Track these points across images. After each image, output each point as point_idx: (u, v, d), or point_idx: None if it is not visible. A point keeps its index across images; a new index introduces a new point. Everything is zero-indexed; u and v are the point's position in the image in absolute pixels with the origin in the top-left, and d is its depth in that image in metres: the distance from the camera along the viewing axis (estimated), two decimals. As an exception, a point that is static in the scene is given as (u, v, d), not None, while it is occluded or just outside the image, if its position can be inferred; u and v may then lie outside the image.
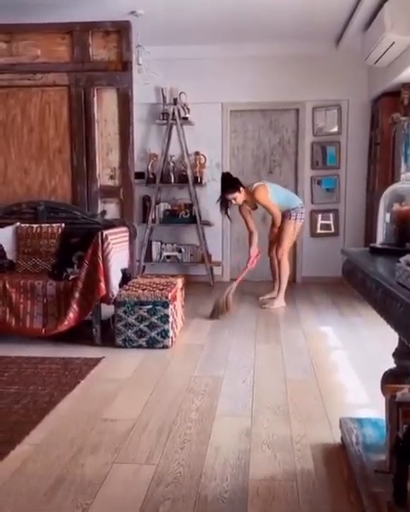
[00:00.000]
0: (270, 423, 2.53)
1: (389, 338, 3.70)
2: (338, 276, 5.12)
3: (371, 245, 2.09)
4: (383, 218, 2.07)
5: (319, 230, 6.27)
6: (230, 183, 4.98)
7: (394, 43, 4.31)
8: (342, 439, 2.35)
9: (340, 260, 5.53)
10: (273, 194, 4.97)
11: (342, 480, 2.05)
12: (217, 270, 6.33)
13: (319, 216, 6.25)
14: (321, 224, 6.27)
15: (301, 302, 5.24)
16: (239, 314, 4.75)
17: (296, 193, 6.26)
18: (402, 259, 1.44)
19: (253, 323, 4.40)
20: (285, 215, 5.03)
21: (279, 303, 5.02)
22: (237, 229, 6.43)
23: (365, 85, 5.95)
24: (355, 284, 1.99)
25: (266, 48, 5.91)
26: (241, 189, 4.95)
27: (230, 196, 4.97)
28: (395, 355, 2.14)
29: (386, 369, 2.22)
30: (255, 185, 4.98)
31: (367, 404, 2.76)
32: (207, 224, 6.21)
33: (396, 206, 1.99)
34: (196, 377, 3.14)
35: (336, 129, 6.12)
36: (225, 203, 5.07)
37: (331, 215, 6.19)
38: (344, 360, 3.50)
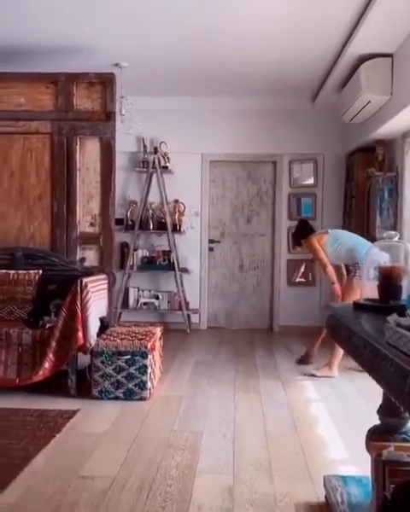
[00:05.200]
0: (252, 480, 2.47)
1: (368, 391, 3.74)
2: (315, 325, 5.16)
3: (355, 301, 2.12)
4: (367, 275, 2.10)
5: (296, 279, 6.32)
6: (297, 232, 4.68)
7: (369, 101, 4.51)
8: (326, 497, 2.30)
9: (317, 310, 5.57)
10: (331, 245, 4.36)
11: (329, 543, 2.00)
12: (194, 318, 6.31)
13: (295, 265, 6.32)
14: (299, 274, 6.33)
15: (278, 351, 5.23)
16: (217, 363, 4.70)
17: (273, 242, 6.38)
18: (391, 319, 1.47)
19: (232, 372, 4.35)
20: (349, 270, 4.39)
21: (328, 372, 4.32)
22: (216, 277, 6.48)
23: (340, 140, 6.17)
24: (341, 340, 2.00)
25: (245, 102, 6.12)
26: (302, 241, 4.59)
27: (298, 248, 4.91)
28: (379, 412, 2.13)
29: (370, 426, 2.21)
30: (315, 233, 4.57)
31: (349, 461, 2.72)
32: (185, 271, 6.23)
33: (381, 264, 2.03)
34: (176, 431, 3.06)
35: (312, 181, 6.29)
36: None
37: (308, 265, 6.27)
38: (324, 413, 3.47)
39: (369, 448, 2.07)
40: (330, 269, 4.32)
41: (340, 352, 4.17)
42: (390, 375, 1.32)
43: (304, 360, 4.71)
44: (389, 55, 4.36)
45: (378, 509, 1.86)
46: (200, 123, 6.22)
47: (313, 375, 4.29)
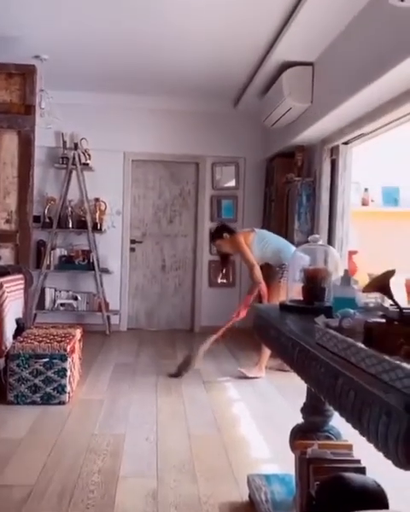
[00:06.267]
0: (176, 483, 2.46)
1: (287, 390, 3.84)
2: (236, 326, 5.20)
3: (281, 302, 2.16)
4: (292, 277, 2.15)
5: (219, 281, 6.37)
6: (215, 230, 4.62)
7: (291, 108, 4.63)
8: (250, 496, 2.33)
9: (233, 310, 5.61)
10: (257, 244, 4.35)
11: (253, 542, 2.02)
12: (114, 319, 6.19)
13: (218, 266, 6.37)
14: (221, 275, 6.37)
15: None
16: (138, 365, 4.64)
17: (195, 243, 6.40)
18: (319, 320, 1.50)
19: (153, 376, 4.31)
20: (275, 271, 4.37)
21: (257, 372, 4.31)
22: (137, 278, 6.40)
23: (261, 145, 6.30)
24: (268, 340, 2.03)
25: (170, 102, 6.10)
26: (224, 235, 4.44)
27: (214, 244, 4.70)
28: (303, 410, 2.18)
29: (292, 425, 2.26)
30: (240, 231, 4.58)
31: (272, 459, 2.78)
32: (106, 271, 6.10)
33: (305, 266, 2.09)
34: (97, 436, 2.98)
35: (233, 184, 6.38)
36: (222, 255, 4.70)
37: (229, 267, 6.34)
38: (245, 413, 3.52)
39: (293, 446, 2.11)
40: (258, 268, 4.29)
41: (267, 351, 4.21)
42: (321, 375, 1.35)
43: (182, 368, 4.31)
44: (310, 64, 4.51)
45: (303, 506, 1.90)
46: (123, 121, 6.13)
47: (243, 375, 4.28)
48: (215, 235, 4.55)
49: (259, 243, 4.35)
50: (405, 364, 0.97)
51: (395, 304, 1.26)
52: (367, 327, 1.21)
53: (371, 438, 1.05)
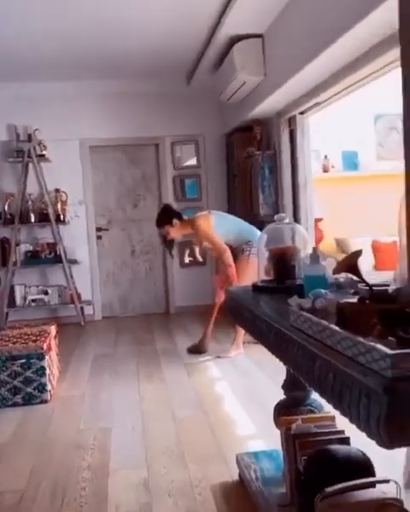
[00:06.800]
0: (167, 470, 2.47)
1: (266, 364, 3.87)
2: (210, 304, 5.21)
3: (253, 283, 2.16)
4: (263, 257, 2.15)
5: (187, 260, 6.34)
6: (161, 215, 4.38)
7: (245, 82, 4.57)
8: (240, 475, 2.36)
9: (210, 289, 5.65)
10: (220, 226, 4.25)
11: (248, 519, 2.05)
12: (88, 310, 6.14)
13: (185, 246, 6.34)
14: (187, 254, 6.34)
15: (177, 334, 5.25)
16: (117, 354, 4.63)
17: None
18: (293, 302, 1.50)
19: (133, 362, 4.30)
20: (238, 251, 4.29)
21: (236, 350, 4.36)
22: (107, 265, 6.34)
23: (219, 121, 6.23)
24: (243, 323, 2.03)
25: (121, 85, 5.96)
26: (174, 221, 4.27)
27: (160, 231, 4.39)
28: (284, 387, 2.21)
29: (275, 400, 2.29)
30: (197, 215, 4.34)
31: (258, 435, 2.81)
32: (74, 262, 6.02)
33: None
34: (83, 431, 2.97)
35: (195, 162, 6.32)
36: (166, 240, 4.44)
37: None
38: (228, 392, 3.55)
39: (278, 423, 2.14)
40: (229, 251, 4.19)
41: (241, 328, 4.19)
42: (299, 357, 1.35)
43: (197, 349, 4.48)
44: (260, 36, 4.44)
45: (292, 482, 1.93)
46: (76, 108, 5.98)
47: (224, 357, 4.29)
48: (164, 221, 4.32)
49: (221, 225, 4.25)
50: (379, 346, 0.97)
51: (365, 282, 1.26)
52: (340, 307, 1.21)
53: (353, 419, 1.06)
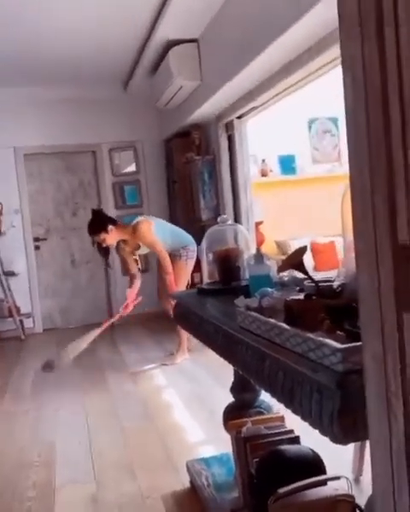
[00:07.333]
0: (116, 483, 2.40)
1: (214, 370, 3.86)
2: (153, 310, 5.14)
3: (199, 286, 2.13)
4: (207, 259, 2.12)
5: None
6: (95, 222, 4.14)
7: (181, 87, 4.57)
8: (191, 482, 2.32)
9: (153, 295, 5.59)
10: (158, 232, 4.18)
11: (202, 528, 2.01)
12: (28, 323, 5.93)
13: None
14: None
15: (121, 343, 5.15)
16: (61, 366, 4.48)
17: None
18: (239, 303, 1.48)
19: (77, 374, 4.17)
20: (174, 255, 4.26)
21: (181, 356, 4.32)
22: (46, 276, 6.15)
23: (157, 126, 6.19)
24: (191, 327, 1.99)
25: (56, 91, 5.81)
26: (109, 228, 4.05)
27: (95, 238, 4.12)
28: (232, 390, 2.19)
29: (222, 405, 2.27)
30: (136, 220, 4.18)
31: (207, 441, 2.78)
32: (12, 274, 5.81)
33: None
34: (26, 448, 2.85)
35: (134, 168, 6.26)
36: (102, 248, 4.20)
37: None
38: (175, 399, 3.50)
39: (227, 427, 2.11)
40: (168, 258, 4.18)
41: (184, 333, 4.17)
42: (248, 358, 1.33)
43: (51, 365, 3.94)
44: (195, 41, 4.45)
45: (244, 486, 1.91)
46: (9, 115, 5.77)
47: (167, 364, 4.23)
48: (98, 228, 4.08)
49: (160, 232, 4.19)
50: (329, 341, 0.96)
51: (310, 279, 1.26)
52: (287, 305, 1.20)
53: (305, 416, 1.05)
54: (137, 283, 4.45)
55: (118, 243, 4.24)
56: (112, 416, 3.24)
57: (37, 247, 6.07)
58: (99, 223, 4.10)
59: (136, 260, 4.42)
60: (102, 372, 4.20)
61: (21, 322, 5.75)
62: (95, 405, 3.45)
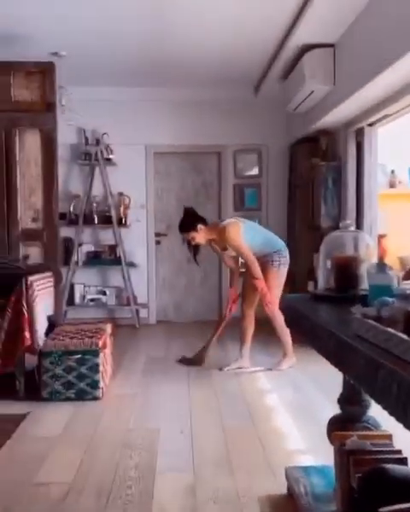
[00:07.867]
0: (213, 477, 2.44)
1: (320, 379, 3.78)
2: (262, 312, 5.09)
3: (313, 291, 2.11)
4: (324, 265, 2.09)
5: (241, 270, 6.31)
6: (186, 220, 4.19)
7: (313, 91, 4.53)
8: (288, 489, 2.30)
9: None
10: (248, 235, 4.08)
11: (295, 535, 1.99)
12: (143, 313, 6.21)
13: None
14: (242, 263, 6.29)
15: (229, 342, 5.20)
16: (169, 358, 4.64)
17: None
18: (356, 311, 1.45)
19: (184, 369, 4.29)
20: (266, 261, 4.14)
21: (288, 362, 4.28)
22: (163, 270, 6.40)
23: (283, 131, 6.20)
24: (302, 332, 1.98)
25: (188, 92, 6.04)
26: (199, 227, 4.08)
27: (185, 236, 4.17)
28: (340, 401, 2.14)
29: (327, 415, 2.22)
30: (226, 222, 4.16)
31: (308, 451, 2.73)
32: (132, 265, 6.11)
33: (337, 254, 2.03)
34: (132, 430, 2.99)
35: (256, 172, 6.30)
36: (193, 246, 4.23)
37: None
38: (278, 404, 3.48)
39: (331, 438, 2.07)
40: (257, 262, 4.05)
41: (288, 338, 4.19)
42: (361, 367, 1.30)
43: (194, 361, 4.39)
44: (332, 45, 4.39)
45: (344, 499, 1.86)
46: (143, 114, 6.10)
47: (278, 370, 4.21)
48: (189, 226, 4.12)
49: (249, 235, 4.09)
50: None
51: (437, 291, 1.20)
52: (408, 315, 1.16)
53: (419, 433, 1.00)
54: (236, 281, 4.44)
55: (210, 242, 4.25)
56: (214, 412, 3.29)
57: (157, 242, 6.33)
58: (190, 221, 4.14)
59: (233, 257, 4.35)
60: (209, 369, 4.27)
61: (137, 311, 6.03)
62: (198, 399, 3.53)
